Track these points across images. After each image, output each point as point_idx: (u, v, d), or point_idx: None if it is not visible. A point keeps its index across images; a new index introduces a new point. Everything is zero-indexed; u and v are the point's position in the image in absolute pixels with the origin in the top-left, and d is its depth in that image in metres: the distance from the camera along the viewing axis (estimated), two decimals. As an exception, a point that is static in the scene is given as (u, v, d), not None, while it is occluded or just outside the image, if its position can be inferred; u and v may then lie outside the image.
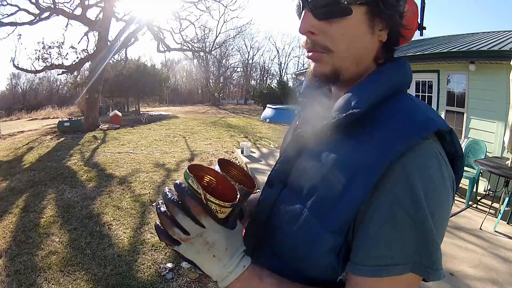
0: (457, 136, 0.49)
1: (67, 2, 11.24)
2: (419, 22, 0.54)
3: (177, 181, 0.48)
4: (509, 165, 3.20)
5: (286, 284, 0.50)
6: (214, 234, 0.47)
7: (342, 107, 0.50)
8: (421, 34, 0.56)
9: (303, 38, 0.53)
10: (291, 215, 0.53)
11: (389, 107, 0.49)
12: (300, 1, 0.52)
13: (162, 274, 2.43)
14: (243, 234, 0.69)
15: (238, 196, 0.50)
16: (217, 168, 0.58)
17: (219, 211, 0.47)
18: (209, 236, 0.47)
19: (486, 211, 3.32)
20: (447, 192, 0.46)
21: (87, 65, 12.58)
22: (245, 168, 5.61)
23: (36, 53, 11.10)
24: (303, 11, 0.51)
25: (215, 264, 0.49)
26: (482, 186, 4.00)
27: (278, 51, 45.01)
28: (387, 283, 0.44)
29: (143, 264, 2.55)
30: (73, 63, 11.85)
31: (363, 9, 0.48)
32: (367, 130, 0.48)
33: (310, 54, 0.52)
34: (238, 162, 5.95)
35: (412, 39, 0.55)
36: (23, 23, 10.72)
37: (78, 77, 17.95)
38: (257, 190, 0.65)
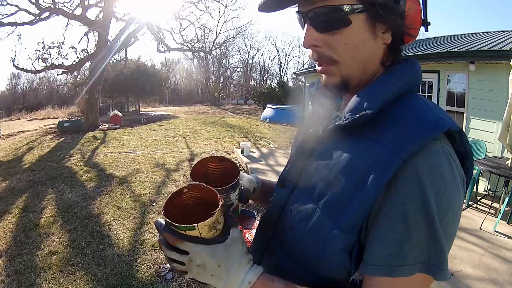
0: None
1: (67, 2, 11.25)
2: (423, 18, 0.53)
3: (158, 219, 0.50)
4: (509, 165, 3.20)
5: None
6: (198, 255, 0.47)
7: (354, 108, 0.51)
8: (426, 30, 0.55)
9: (310, 50, 0.53)
10: (303, 215, 0.53)
11: (400, 108, 0.50)
12: (301, 16, 0.53)
13: (162, 274, 2.43)
14: (246, 237, 0.68)
15: (220, 202, 0.49)
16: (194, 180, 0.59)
17: (200, 231, 0.46)
18: (196, 259, 0.47)
19: (486, 211, 3.32)
20: (458, 190, 0.46)
21: (87, 65, 12.57)
22: (245, 168, 5.55)
23: (36, 53, 11.12)
24: (305, 26, 0.52)
25: (218, 282, 0.49)
26: (482, 186, 4.00)
27: (278, 51, 45.01)
28: (401, 282, 0.44)
29: (143, 264, 2.55)
30: (73, 63, 11.85)
31: (363, 17, 0.48)
32: (379, 130, 0.49)
33: (319, 68, 0.54)
34: (238, 162, 5.96)
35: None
36: (23, 23, 10.71)
37: (78, 77, 17.97)
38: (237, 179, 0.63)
